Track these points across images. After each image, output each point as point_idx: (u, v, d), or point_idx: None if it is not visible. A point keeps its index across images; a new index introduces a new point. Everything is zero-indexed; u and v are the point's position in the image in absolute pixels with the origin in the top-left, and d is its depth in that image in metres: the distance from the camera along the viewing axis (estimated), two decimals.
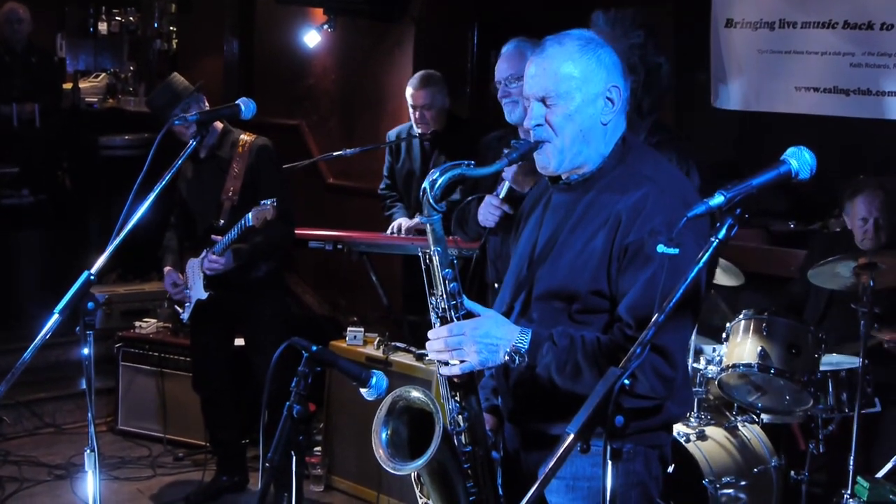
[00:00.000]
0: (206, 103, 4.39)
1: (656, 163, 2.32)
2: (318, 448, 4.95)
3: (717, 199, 1.85)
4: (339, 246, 5.22)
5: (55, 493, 4.81)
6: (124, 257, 6.69)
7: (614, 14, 3.05)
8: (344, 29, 6.43)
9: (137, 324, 5.69)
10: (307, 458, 4.79)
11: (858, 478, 3.66)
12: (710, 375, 4.17)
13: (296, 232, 4.74)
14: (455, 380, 2.27)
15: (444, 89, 5.07)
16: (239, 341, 4.80)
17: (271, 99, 6.71)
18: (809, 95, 4.81)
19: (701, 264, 1.85)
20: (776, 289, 4.83)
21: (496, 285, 3.55)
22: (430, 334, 2.26)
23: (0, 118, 6.61)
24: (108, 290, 6.25)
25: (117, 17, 9.10)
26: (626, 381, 1.76)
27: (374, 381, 2.31)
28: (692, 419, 4.16)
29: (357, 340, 4.80)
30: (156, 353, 5.42)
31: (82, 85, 8.34)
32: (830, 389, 4.00)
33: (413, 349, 4.58)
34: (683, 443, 3.97)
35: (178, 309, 4.67)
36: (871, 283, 3.82)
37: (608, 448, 1.77)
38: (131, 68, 9.11)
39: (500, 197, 3.42)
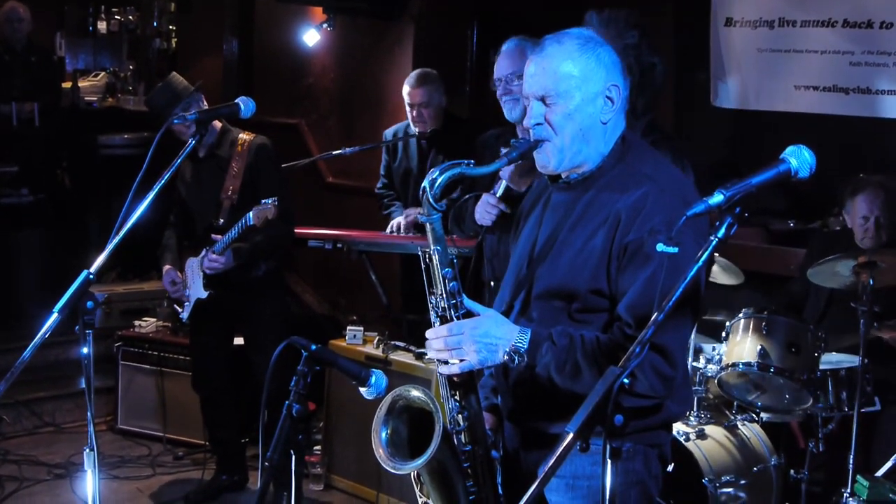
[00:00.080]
0: (205, 103, 4.39)
1: (656, 162, 2.32)
2: (318, 447, 4.96)
3: (717, 198, 1.85)
4: (339, 245, 5.22)
5: (55, 492, 4.81)
6: (124, 256, 6.69)
7: (608, 14, 3.05)
8: (343, 28, 6.43)
9: (137, 323, 5.69)
10: (307, 457, 4.79)
11: (858, 476, 3.66)
12: (709, 374, 4.17)
13: (295, 231, 4.74)
14: (455, 379, 2.27)
15: (441, 87, 5.06)
16: (238, 340, 4.80)
17: (271, 98, 6.71)
18: (809, 94, 4.81)
19: (700, 263, 1.85)
20: (776, 288, 4.83)
21: (492, 283, 3.55)
22: (429, 333, 2.26)
23: None
24: (108, 289, 6.25)
25: (117, 17, 9.10)
26: (626, 380, 1.76)
27: (373, 380, 2.31)
28: (692, 418, 4.16)
29: (357, 339, 4.80)
30: (155, 353, 5.42)
31: (82, 84, 8.34)
32: (830, 388, 4.00)
33: (413, 348, 4.58)
34: (683, 441, 3.97)
35: (178, 308, 4.67)
36: (871, 282, 3.82)
37: (608, 447, 1.77)
38: (131, 67, 9.11)
39: (498, 196, 3.42)
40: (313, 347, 2.23)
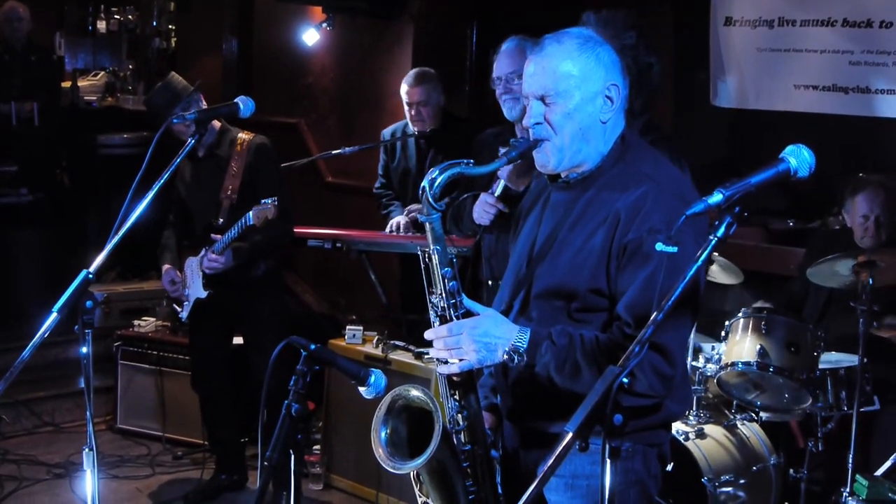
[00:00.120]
0: (204, 102, 4.39)
1: (656, 161, 2.32)
2: (317, 447, 4.95)
3: (716, 198, 1.85)
4: (338, 244, 5.22)
5: (54, 491, 4.81)
6: (123, 256, 6.69)
7: (606, 14, 3.05)
8: (343, 27, 6.43)
9: (136, 322, 5.68)
10: (306, 457, 4.79)
11: (857, 476, 3.66)
12: (708, 373, 4.17)
13: (294, 230, 4.74)
14: (454, 378, 2.27)
15: (439, 86, 5.06)
16: (238, 340, 4.80)
17: (270, 97, 6.71)
18: (808, 93, 4.81)
19: (700, 262, 1.85)
20: (775, 287, 4.83)
21: (490, 282, 3.55)
22: (428, 333, 2.26)
23: None
24: (107, 288, 6.25)
25: (116, 16, 9.10)
26: (625, 380, 1.76)
27: (372, 379, 2.31)
28: (691, 417, 4.16)
29: (356, 339, 4.80)
30: (154, 352, 5.42)
31: (81, 83, 8.34)
32: (829, 387, 4.00)
33: (412, 348, 4.58)
34: (682, 441, 3.97)
35: (177, 308, 4.67)
36: (871, 281, 3.82)
37: (607, 446, 1.77)
38: (130, 67, 9.11)
39: (496, 195, 3.42)
40: (312, 347, 2.23)
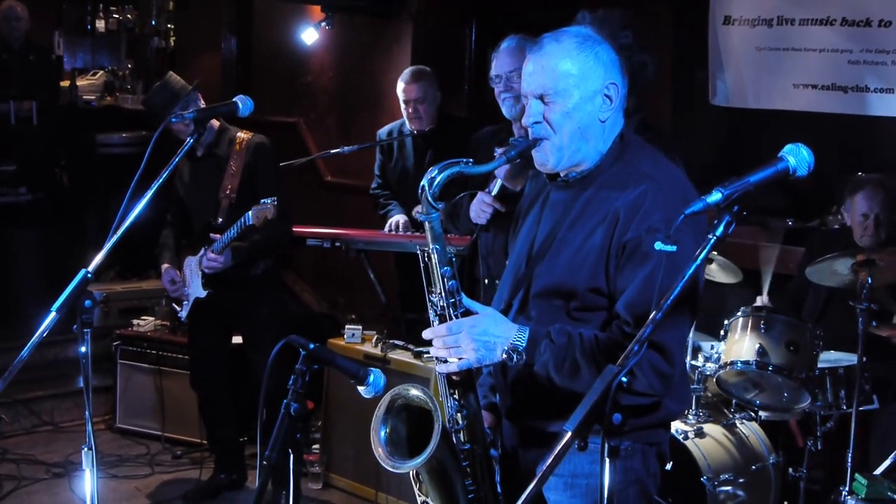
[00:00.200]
0: (203, 101, 4.39)
1: (655, 160, 2.32)
2: (317, 446, 4.95)
3: (715, 197, 1.85)
4: (337, 244, 5.21)
5: (53, 491, 4.81)
6: (122, 255, 6.69)
7: (602, 13, 3.05)
8: (342, 26, 6.42)
9: (135, 322, 5.68)
10: (305, 456, 4.79)
11: (856, 475, 3.66)
12: (708, 373, 4.17)
13: (293, 229, 4.73)
14: (453, 377, 2.27)
15: (436, 83, 5.05)
16: (237, 339, 4.80)
17: (269, 96, 6.71)
18: (807, 92, 4.82)
19: (699, 261, 1.85)
20: (774, 286, 4.83)
21: (486, 281, 3.55)
22: (427, 332, 2.26)
23: None
24: (106, 287, 6.24)
25: (115, 15, 9.09)
26: (624, 379, 1.76)
27: (371, 378, 2.31)
28: (690, 416, 4.16)
29: (355, 338, 4.80)
30: (154, 351, 5.42)
31: (80, 83, 8.34)
32: (828, 386, 4.00)
33: (411, 347, 4.58)
34: (681, 440, 3.97)
35: (176, 307, 4.66)
36: (870, 280, 3.82)
37: (606, 445, 1.77)
38: (129, 66, 9.11)
39: (493, 194, 3.42)
40: (311, 346, 2.23)
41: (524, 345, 2.18)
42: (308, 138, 6.86)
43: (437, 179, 2.21)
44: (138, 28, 9.05)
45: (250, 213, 4.10)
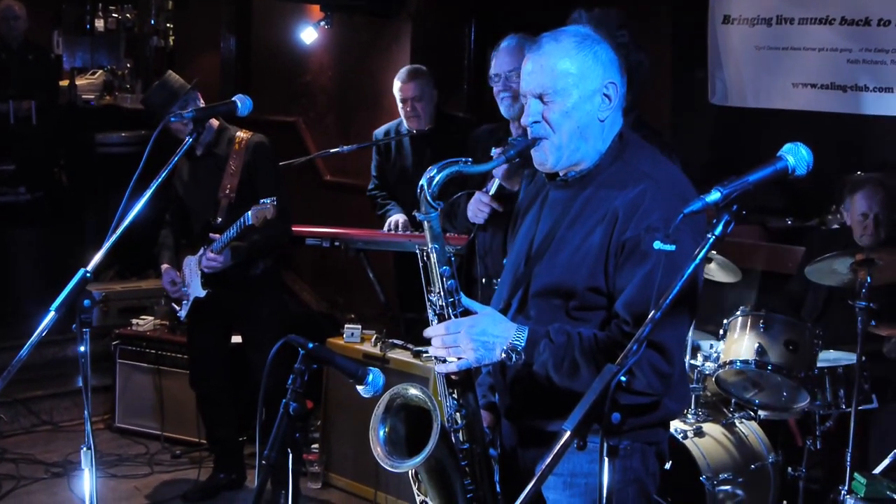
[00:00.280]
0: (202, 101, 4.38)
1: (654, 159, 2.32)
2: (316, 445, 4.95)
3: (714, 196, 1.85)
4: (337, 243, 5.21)
5: (52, 490, 4.81)
6: (121, 254, 6.68)
7: (598, 13, 3.05)
8: (341, 25, 6.42)
9: (134, 321, 5.68)
10: (304, 456, 4.79)
11: (855, 474, 3.66)
12: (707, 372, 4.17)
13: (293, 229, 4.73)
14: (452, 377, 2.27)
15: (432, 81, 5.05)
16: (236, 339, 4.80)
17: (268, 95, 6.70)
18: (807, 92, 4.82)
19: (697, 261, 1.85)
20: (773, 286, 4.83)
21: (484, 281, 3.55)
22: (428, 331, 2.26)
23: None
24: (105, 287, 6.24)
25: (114, 14, 9.09)
26: (623, 378, 1.76)
27: (370, 378, 2.31)
28: (689, 416, 4.16)
29: (354, 338, 4.80)
30: (153, 351, 5.42)
31: (79, 82, 8.33)
32: (828, 386, 4.00)
33: (410, 346, 4.58)
34: (681, 439, 3.97)
35: (176, 306, 4.66)
36: (869, 280, 3.82)
37: (605, 445, 1.77)
38: (128, 65, 9.11)
39: (491, 194, 3.42)
40: (310, 345, 2.23)
41: (523, 344, 2.18)
42: (307, 138, 6.86)
43: (436, 179, 2.21)
44: (137, 27, 9.05)
45: (250, 212, 4.10)
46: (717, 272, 4.32)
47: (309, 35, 6.33)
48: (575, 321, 2.23)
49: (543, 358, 2.17)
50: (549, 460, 1.73)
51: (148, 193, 2.65)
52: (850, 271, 3.96)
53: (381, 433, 2.29)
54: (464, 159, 2.25)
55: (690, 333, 4.09)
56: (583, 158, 2.28)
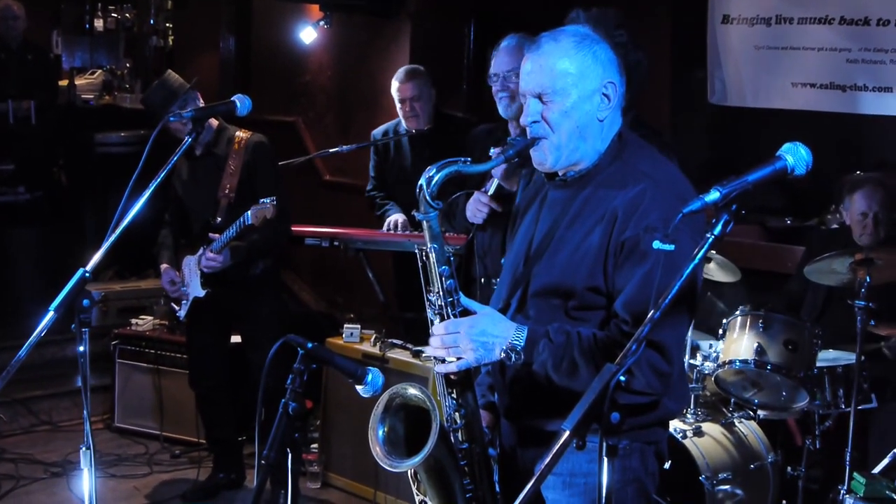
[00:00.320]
0: (201, 100, 4.38)
1: (653, 159, 2.31)
2: (315, 445, 4.95)
3: (713, 195, 1.85)
4: (336, 243, 5.20)
5: (51, 490, 4.81)
6: (120, 254, 6.67)
7: (596, 12, 3.04)
8: (340, 25, 6.42)
9: (134, 321, 5.68)
10: (304, 455, 4.79)
11: (855, 473, 3.66)
12: (706, 372, 4.17)
13: (292, 229, 4.73)
14: (451, 377, 2.27)
15: (430, 81, 5.05)
16: (236, 339, 4.80)
17: (267, 95, 6.71)
18: (806, 91, 4.82)
19: (696, 260, 1.85)
20: (773, 285, 4.84)
21: (483, 280, 3.55)
22: (435, 329, 2.25)
23: None
24: (105, 287, 6.24)
25: (113, 14, 9.10)
26: (623, 378, 1.76)
27: (369, 378, 2.30)
28: (689, 415, 4.16)
29: (354, 337, 4.80)
30: (152, 351, 5.41)
31: (78, 82, 8.34)
32: (827, 385, 4.00)
33: (410, 346, 4.58)
34: (680, 439, 3.97)
35: (175, 306, 4.66)
36: (868, 279, 3.82)
37: (604, 444, 1.77)
38: (127, 65, 9.11)
39: (490, 194, 3.42)
40: (309, 345, 2.23)
41: (522, 344, 2.18)
42: (306, 137, 6.86)
43: (436, 178, 2.21)
44: (137, 27, 9.06)
45: (250, 212, 4.10)
46: (716, 272, 4.32)
47: (308, 35, 6.33)
48: (574, 321, 2.23)
49: (543, 357, 2.17)
50: (548, 460, 1.73)
51: (147, 193, 2.65)
52: (849, 271, 3.96)
53: (381, 433, 2.28)
54: (463, 159, 2.25)
55: (689, 333, 4.09)
56: (582, 158, 2.28)
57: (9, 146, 6.75)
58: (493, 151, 3.01)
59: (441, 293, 2.24)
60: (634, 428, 2.22)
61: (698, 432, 4.05)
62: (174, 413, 5.30)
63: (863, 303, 3.80)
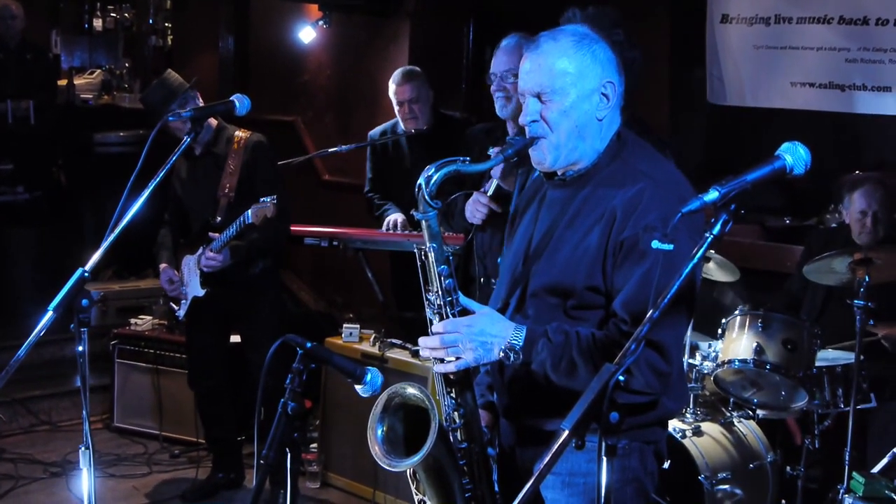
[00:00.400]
0: (200, 100, 4.38)
1: (652, 158, 2.31)
2: (314, 445, 4.95)
3: (712, 195, 1.85)
4: (335, 242, 5.20)
5: (51, 490, 4.81)
6: (119, 254, 6.67)
7: (593, 11, 3.04)
8: (339, 25, 6.42)
9: (133, 321, 5.67)
10: (303, 455, 4.79)
11: (854, 473, 3.66)
12: (705, 371, 4.17)
13: (291, 228, 4.73)
14: (450, 376, 2.27)
15: (427, 82, 5.05)
16: (235, 338, 4.80)
17: (267, 95, 6.71)
18: (805, 91, 4.82)
19: (695, 260, 1.85)
20: (772, 285, 4.84)
21: (482, 280, 3.55)
22: (435, 327, 2.25)
23: None
24: (104, 286, 6.24)
25: (112, 14, 9.10)
26: (622, 377, 1.75)
27: (368, 377, 2.30)
28: (688, 415, 4.16)
29: (353, 337, 4.80)
30: (151, 350, 5.41)
31: (77, 81, 8.33)
32: (826, 385, 4.00)
33: (409, 346, 4.58)
34: (679, 438, 3.97)
35: (174, 306, 4.66)
36: (867, 278, 3.83)
37: (603, 444, 1.77)
38: (126, 65, 9.11)
39: (489, 194, 3.42)
40: (308, 345, 2.23)
41: (521, 344, 2.18)
42: (305, 137, 6.86)
43: (434, 178, 2.21)
44: (136, 27, 9.05)
45: (250, 211, 4.09)
46: (715, 271, 4.32)
47: (307, 34, 6.34)
48: (573, 320, 2.23)
49: (541, 357, 2.17)
50: (547, 459, 1.73)
51: (146, 193, 2.65)
52: (848, 270, 3.96)
53: (380, 432, 2.28)
54: (462, 158, 2.25)
55: (689, 333, 4.09)
56: (581, 157, 2.28)
57: (8, 146, 6.75)
58: (491, 151, 3.01)
59: (440, 292, 2.24)
60: (633, 427, 2.22)
61: (697, 432, 4.05)
62: (173, 413, 5.30)
63: (862, 302, 3.81)
